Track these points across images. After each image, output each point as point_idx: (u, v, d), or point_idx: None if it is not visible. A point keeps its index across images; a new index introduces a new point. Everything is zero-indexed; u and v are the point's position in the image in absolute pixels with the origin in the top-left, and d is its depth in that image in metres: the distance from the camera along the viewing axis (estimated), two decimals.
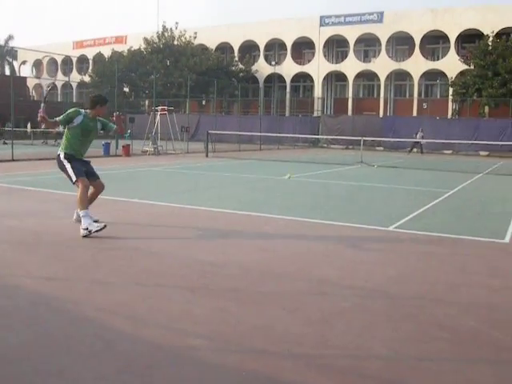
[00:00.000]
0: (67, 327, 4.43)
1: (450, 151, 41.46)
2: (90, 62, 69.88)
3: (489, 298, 5.51)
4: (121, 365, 3.76)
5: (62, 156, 8.17)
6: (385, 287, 5.78)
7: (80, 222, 7.97)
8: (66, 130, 8.22)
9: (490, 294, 5.67)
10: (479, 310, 5.14)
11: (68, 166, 8.09)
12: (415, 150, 39.04)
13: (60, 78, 77.78)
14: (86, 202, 8.00)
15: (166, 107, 32.81)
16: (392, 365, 3.91)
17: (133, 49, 62.70)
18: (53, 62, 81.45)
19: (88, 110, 8.32)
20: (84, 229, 7.78)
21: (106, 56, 66.39)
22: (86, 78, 66.78)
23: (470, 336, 4.48)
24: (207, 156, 28.60)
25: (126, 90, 62.77)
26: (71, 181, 8.13)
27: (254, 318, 4.70)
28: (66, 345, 4.07)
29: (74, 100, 74.29)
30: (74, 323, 4.53)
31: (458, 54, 55.54)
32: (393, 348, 4.17)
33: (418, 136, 37.95)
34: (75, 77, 71.98)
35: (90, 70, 67.48)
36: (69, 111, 8.18)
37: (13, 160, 21.82)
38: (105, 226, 7.82)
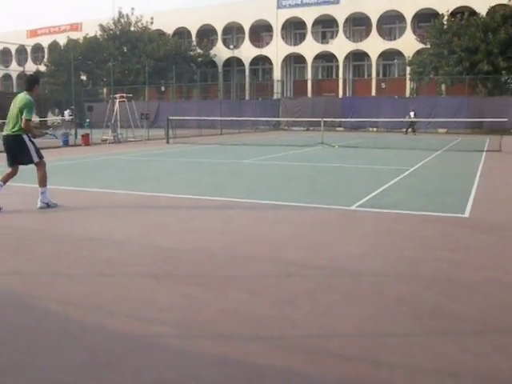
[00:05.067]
0: (30, 322, 4.36)
1: (409, 129, 41.90)
2: (46, 50, 68.45)
3: (450, 272, 5.60)
4: (86, 357, 3.71)
5: (25, 138, 8.77)
6: (348, 266, 5.83)
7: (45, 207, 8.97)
8: (20, 114, 8.72)
9: (451, 268, 5.77)
10: (441, 284, 5.22)
11: (32, 146, 8.88)
12: (409, 130, 38.92)
13: (15, 68, 76.15)
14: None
15: (124, 94, 32.42)
16: (357, 342, 3.95)
17: (88, 36, 61.57)
18: (7, 51, 79.66)
19: (26, 92, 8.94)
20: (45, 202, 8.98)
21: (62, 44, 65.12)
22: (42, 68, 65.39)
23: (432, 310, 4.55)
24: (168, 142, 28.41)
25: (84, 78, 61.79)
26: (32, 161, 8.94)
27: (220, 303, 4.70)
28: (30, 340, 4.00)
29: None
30: (37, 317, 4.45)
31: (414, 33, 55.91)
32: (357, 325, 4.22)
33: (411, 115, 37.91)
34: (31, 66, 70.40)
35: (45, 59, 66.10)
36: (30, 104, 8.69)
37: None
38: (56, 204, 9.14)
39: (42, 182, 9.00)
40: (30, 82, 9.02)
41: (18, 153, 8.90)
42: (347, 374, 3.47)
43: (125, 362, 3.62)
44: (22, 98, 8.83)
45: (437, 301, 4.76)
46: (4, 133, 8.94)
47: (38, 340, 3.99)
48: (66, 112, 42.22)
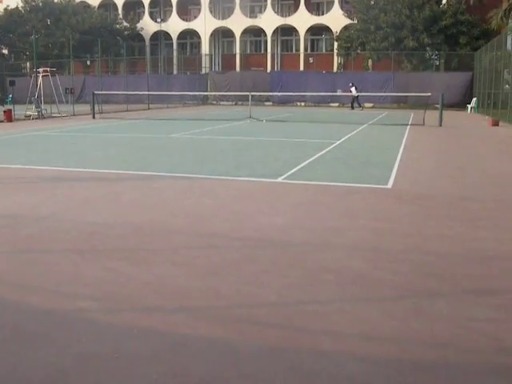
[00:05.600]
0: None
1: (336, 104, 42.45)
2: None
3: (373, 241, 5.76)
4: (7, 334, 3.65)
5: None
6: (273, 236, 5.91)
7: None
8: None
9: (375, 236, 5.92)
10: (364, 253, 5.36)
11: None
12: (355, 105, 37.98)
13: None
14: None
15: (48, 69, 31.44)
16: (281, 310, 4.02)
17: (10, 8, 59.24)
18: None
19: None
20: None
21: None
22: None
23: (354, 277, 4.67)
24: (94, 118, 27.81)
25: (5, 51, 59.63)
26: None
27: (145, 276, 4.68)
28: None
29: None
30: None
31: (341, 8, 56.36)
32: (281, 294, 4.29)
33: (353, 91, 37.07)
34: None
35: None
36: None
37: None
38: None
39: None
40: None
41: None
42: (272, 342, 3.53)
43: (48, 338, 3.57)
44: None
45: (360, 268, 4.89)
46: None
47: None
48: None
